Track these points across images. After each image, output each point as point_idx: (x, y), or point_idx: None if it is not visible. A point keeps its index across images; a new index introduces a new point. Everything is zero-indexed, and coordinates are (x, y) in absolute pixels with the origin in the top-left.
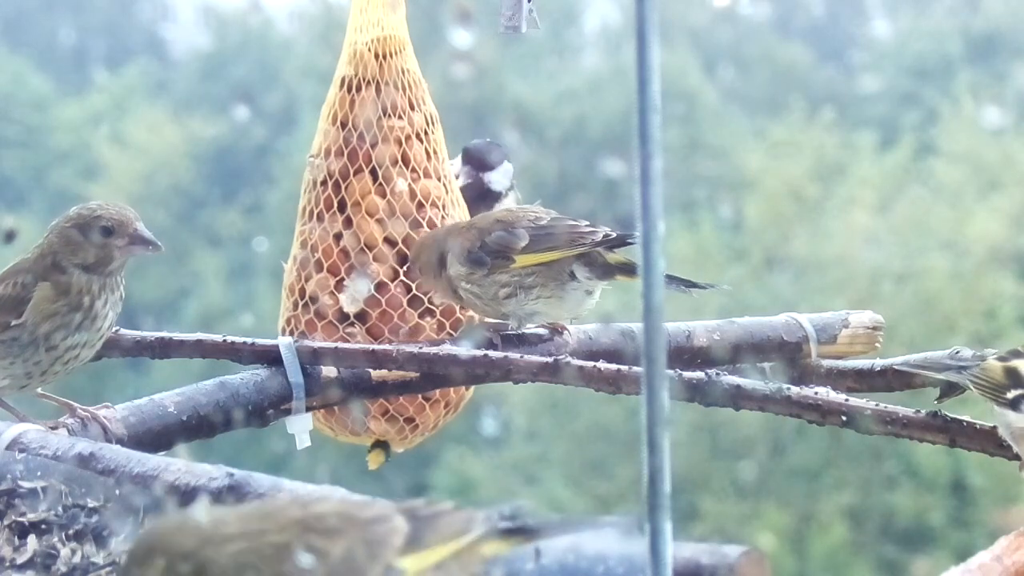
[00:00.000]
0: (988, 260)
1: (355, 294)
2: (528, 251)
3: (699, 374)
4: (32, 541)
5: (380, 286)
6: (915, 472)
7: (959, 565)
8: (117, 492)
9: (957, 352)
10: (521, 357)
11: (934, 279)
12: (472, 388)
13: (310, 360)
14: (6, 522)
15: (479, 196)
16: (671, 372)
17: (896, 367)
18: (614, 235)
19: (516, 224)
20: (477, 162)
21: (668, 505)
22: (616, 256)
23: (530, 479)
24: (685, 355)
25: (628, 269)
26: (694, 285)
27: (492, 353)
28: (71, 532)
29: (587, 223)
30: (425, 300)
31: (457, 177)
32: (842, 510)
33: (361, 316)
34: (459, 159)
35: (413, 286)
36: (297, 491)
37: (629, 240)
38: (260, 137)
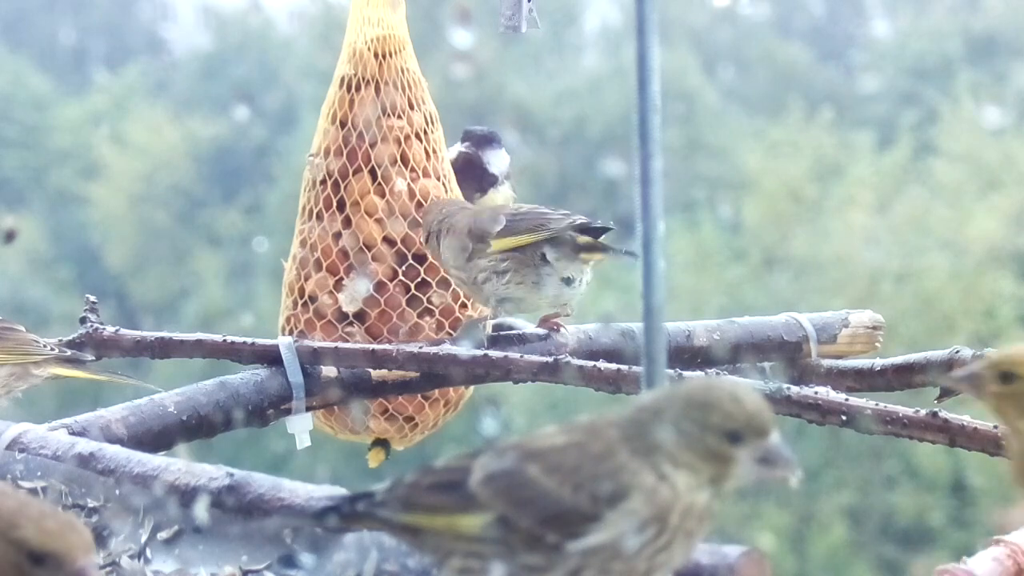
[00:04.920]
0: (987, 260)
1: (354, 293)
2: (503, 235)
3: (699, 374)
4: None
5: (379, 285)
6: (915, 472)
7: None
8: (117, 492)
9: (957, 352)
10: (521, 357)
11: (934, 279)
12: (472, 387)
13: (310, 360)
14: None
15: (473, 175)
16: (671, 372)
17: None
18: (579, 220)
19: (500, 212)
20: (477, 139)
21: None
22: (588, 239)
23: None
24: (685, 355)
25: (595, 247)
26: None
27: (492, 353)
28: None
29: (564, 212)
30: (424, 300)
31: (452, 161)
32: (842, 510)
33: (360, 315)
34: (456, 146)
35: (412, 286)
36: (297, 491)
37: (595, 225)
38: (260, 137)
